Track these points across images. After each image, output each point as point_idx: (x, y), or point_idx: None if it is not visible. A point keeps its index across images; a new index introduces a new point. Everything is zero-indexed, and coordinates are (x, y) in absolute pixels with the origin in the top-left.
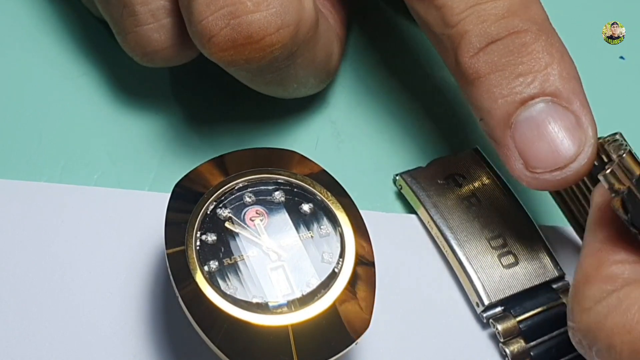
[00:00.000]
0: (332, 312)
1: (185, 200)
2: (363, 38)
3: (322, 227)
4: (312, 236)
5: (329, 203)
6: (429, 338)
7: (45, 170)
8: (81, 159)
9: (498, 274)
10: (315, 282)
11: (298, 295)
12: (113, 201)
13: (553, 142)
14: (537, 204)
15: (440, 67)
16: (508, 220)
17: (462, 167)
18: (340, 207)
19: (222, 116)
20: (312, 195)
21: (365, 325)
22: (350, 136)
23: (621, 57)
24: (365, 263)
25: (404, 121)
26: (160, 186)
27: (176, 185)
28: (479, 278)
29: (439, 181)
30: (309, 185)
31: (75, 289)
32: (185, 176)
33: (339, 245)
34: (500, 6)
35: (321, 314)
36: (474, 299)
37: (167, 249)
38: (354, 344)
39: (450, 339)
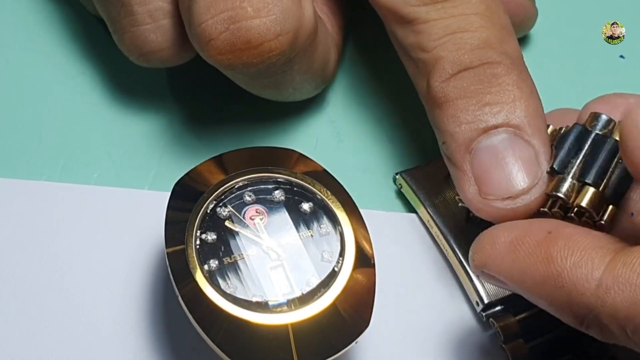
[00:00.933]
0: (332, 311)
1: (185, 199)
2: (363, 38)
3: (322, 226)
4: (312, 235)
5: (328, 202)
6: (429, 337)
7: (45, 169)
8: (81, 158)
9: None
10: (315, 281)
11: (298, 294)
12: (113, 200)
13: (509, 172)
14: None
15: None
16: None
17: None
18: (340, 206)
19: (222, 116)
20: (312, 194)
21: (365, 324)
22: (349, 135)
23: (621, 56)
24: (365, 262)
25: (404, 120)
26: (160, 185)
27: (176, 184)
28: (478, 277)
29: (439, 180)
30: (309, 184)
31: (75, 287)
32: (185, 175)
33: (338, 244)
34: (476, 37)
35: (321, 313)
36: (473, 298)
37: (167, 247)
38: (353, 343)
39: (450, 338)
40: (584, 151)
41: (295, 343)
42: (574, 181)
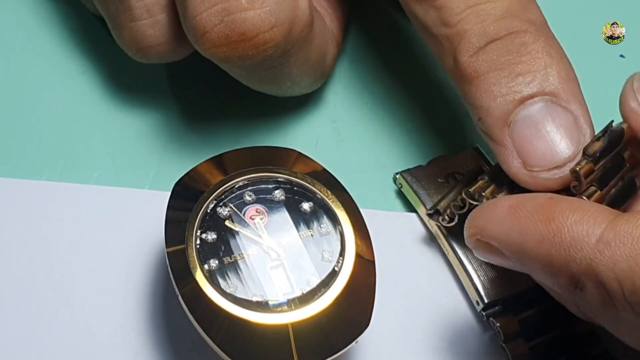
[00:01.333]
0: (332, 311)
1: (186, 198)
2: (363, 37)
3: (322, 225)
4: (312, 235)
5: (329, 202)
6: (429, 337)
7: (46, 168)
8: (81, 158)
9: (498, 272)
10: (315, 281)
11: (298, 293)
12: (113, 199)
13: (552, 141)
14: None
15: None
16: None
17: (462, 165)
18: (340, 205)
19: (222, 115)
20: (312, 194)
21: (365, 323)
22: (350, 135)
23: (621, 56)
24: (365, 261)
25: (404, 120)
26: (160, 184)
27: (176, 184)
28: (478, 276)
29: (439, 180)
30: (309, 183)
31: (75, 287)
32: (186, 175)
33: (339, 243)
34: (499, 7)
35: (321, 312)
36: (474, 297)
37: (167, 247)
38: (354, 343)
39: (451, 338)
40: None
41: (296, 343)
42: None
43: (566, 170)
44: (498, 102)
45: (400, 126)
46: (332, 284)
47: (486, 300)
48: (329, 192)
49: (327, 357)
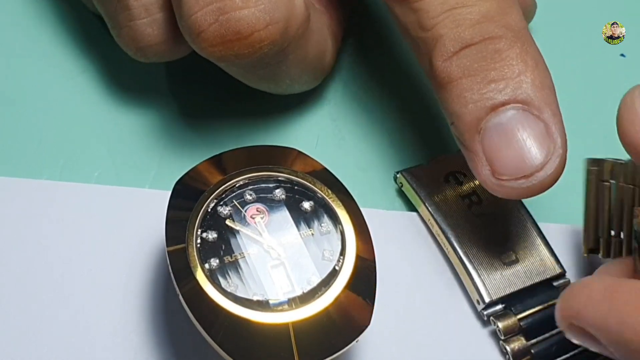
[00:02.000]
0: (333, 310)
1: (186, 198)
2: (363, 35)
3: (322, 224)
4: (312, 234)
5: (329, 201)
6: (430, 336)
7: (46, 168)
8: (81, 157)
9: (499, 271)
10: (316, 280)
11: (299, 292)
12: (113, 199)
13: (521, 149)
14: (537, 202)
15: None
16: (509, 218)
17: (463, 164)
18: (340, 204)
19: (223, 114)
20: (312, 193)
21: (366, 323)
22: (351, 134)
23: (622, 55)
24: (366, 261)
25: (405, 118)
26: (161, 184)
27: (177, 183)
28: (479, 276)
29: (440, 179)
30: (310, 183)
31: (75, 286)
32: (186, 174)
33: (339, 243)
34: (476, 11)
35: (322, 311)
36: (474, 296)
37: (167, 246)
38: (354, 342)
39: (451, 337)
40: None
41: (296, 342)
42: None
43: (534, 180)
44: (470, 108)
45: (401, 125)
46: (332, 283)
47: (487, 300)
48: (330, 191)
49: (327, 356)
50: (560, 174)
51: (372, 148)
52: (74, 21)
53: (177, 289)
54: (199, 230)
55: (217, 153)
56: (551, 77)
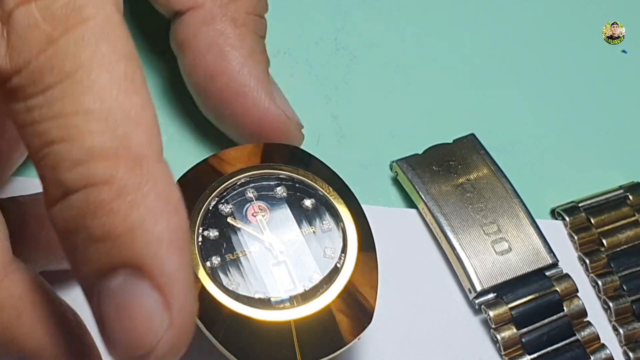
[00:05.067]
0: (335, 308)
1: (187, 196)
2: (364, 33)
3: (324, 222)
4: (314, 231)
5: (330, 198)
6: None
7: None
8: None
9: (491, 260)
10: (317, 278)
11: (300, 290)
12: None
13: (129, 327)
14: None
15: (440, 59)
16: (502, 207)
17: (458, 153)
18: (342, 202)
19: None
20: (314, 191)
21: (368, 320)
22: (351, 131)
23: (623, 51)
24: (367, 258)
25: (406, 117)
26: None
27: (177, 181)
28: (471, 264)
29: (434, 168)
30: (311, 180)
31: (76, 286)
32: (187, 172)
33: (341, 240)
34: (77, 147)
35: (324, 309)
36: (466, 285)
37: None
38: (356, 339)
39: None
40: None
41: (298, 339)
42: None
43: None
44: (82, 271)
45: (401, 122)
46: (334, 280)
47: (478, 288)
48: (331, 189)
49: (330, 354)
50: (182, 344)
51: (373, 145)
52: None
53: None
54: (200, 228)
55: (218, 151)
56: (183, 221)
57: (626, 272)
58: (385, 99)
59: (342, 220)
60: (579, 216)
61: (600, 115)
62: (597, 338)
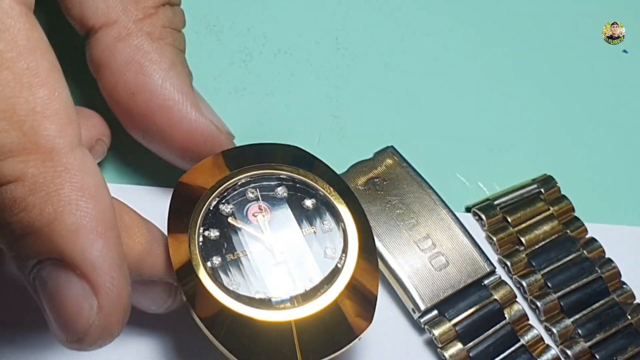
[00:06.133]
0: (335, 308)
1: (188, 195)
2: (364, 32)
3: (324, 222)
4: (314, 232)
5: (331, 198)
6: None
7: None
8: None
9: (430, 277)
10: (318, 278)
11: (301, 290)
12: (115, 197)
13: (61, 315)
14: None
15: (440, 59)
16: (433, 219)
17: (380, 169)
18: (342, 202)
19: (224, 112)
20: (314, 191)
21: (369, 320)
22: (352, 131)
23: (624, 51)
24: (368, 258)
25: (407, 115)
26: (163, 182)
27: (179, 181)
28: (412, 284)
29: (359, 188)
30: (312, 180)
31: None
32: (188, 172)
33: (341, 240)
34: None
35: (324, 309)
36: (409, 305)
37: (169, 244)
38: (357, 340)
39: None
40: None
41: (299, 339)
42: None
43: (85, 346)
44: (16, 264)
45: (402, 122)
46: (335, 280)
47: (422, 307)
48: (332, 189)
49: (330, 354)
50: (115, 326)
51: (373, 144)
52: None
53: (179, 286)
54: (201, 228)
55: (220, 151)
56: (107, 204)
57: (548, 268)
58: (385, 98)
59: (342, 221)
60: (495, 216)
61: (602, 115)
62: (541, 339)
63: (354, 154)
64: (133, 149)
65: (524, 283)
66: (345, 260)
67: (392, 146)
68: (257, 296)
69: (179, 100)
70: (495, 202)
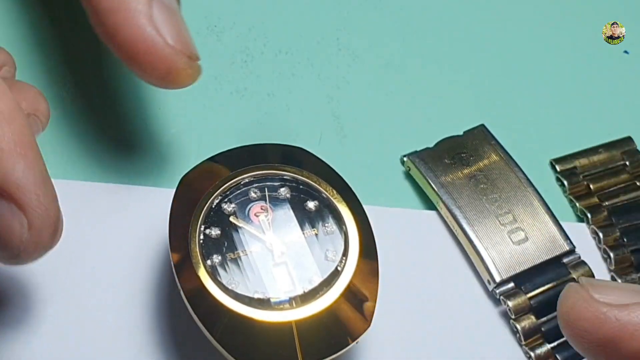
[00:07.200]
0: (334, 310)
1: (191, 194)
2: (364, 31)
3: (326, 225)
4: (316, 234)
5: (334, 201)
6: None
7: (49, 166)
8: (84, 155)
9: (508, 250)
10: (317, 280)
11: (300, 292)
12: (117, 196)
13: None
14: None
15: (440, 59)
16: (517, 196)
17: (469, 145)
18: (345, 205)
19: (226, 112)
20: (317, 193)
21: (366, 325)
22: (353, 131)
23: (625, 52)
24: (368, 261)
25: (407, 114)
26: (165, 182)
27: (181, 180)
28: (489, 255)
29: (446, 161)
30: (315, 182)
31: (79, 284)
32: (191, 171)
33: (342, 243)
34: None
35: (322, 311)
36: (485, 276)
37: (170, 242)
38: (354, 343)
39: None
40: None
41: (300, 340)
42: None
43: (20, 261)
44: None
45: (403, 120)
46: (334, 283)
47: (497, 279)
48: (335, 191)
49: (331, 355)
50: (47, 240)
51: (375, 144)
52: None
53: (178, 285)
54: (202, 227)
55: (222, 151)
56: (23, 127)
57: (626, 224)
58: (386, 98)
59: (344, 224)
60: (577, 182)
61: (603, 116)
62: None
63: (355, 154)
64: (133, 149)
65: (600, 233)
66: (345, 264)
67: (482, 124)
68: (256, 296)
69: (131, 4)
70: (578, 171)
